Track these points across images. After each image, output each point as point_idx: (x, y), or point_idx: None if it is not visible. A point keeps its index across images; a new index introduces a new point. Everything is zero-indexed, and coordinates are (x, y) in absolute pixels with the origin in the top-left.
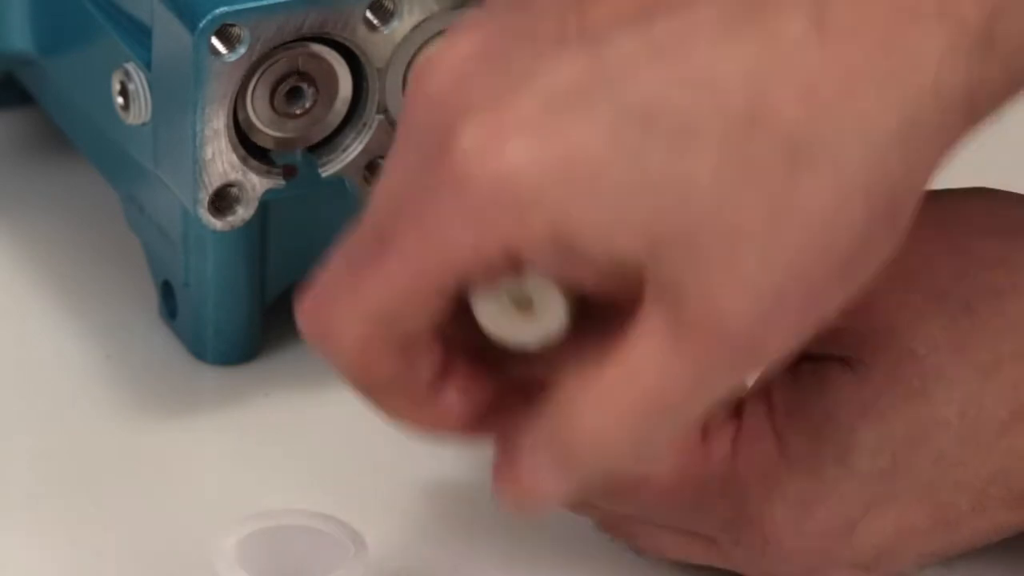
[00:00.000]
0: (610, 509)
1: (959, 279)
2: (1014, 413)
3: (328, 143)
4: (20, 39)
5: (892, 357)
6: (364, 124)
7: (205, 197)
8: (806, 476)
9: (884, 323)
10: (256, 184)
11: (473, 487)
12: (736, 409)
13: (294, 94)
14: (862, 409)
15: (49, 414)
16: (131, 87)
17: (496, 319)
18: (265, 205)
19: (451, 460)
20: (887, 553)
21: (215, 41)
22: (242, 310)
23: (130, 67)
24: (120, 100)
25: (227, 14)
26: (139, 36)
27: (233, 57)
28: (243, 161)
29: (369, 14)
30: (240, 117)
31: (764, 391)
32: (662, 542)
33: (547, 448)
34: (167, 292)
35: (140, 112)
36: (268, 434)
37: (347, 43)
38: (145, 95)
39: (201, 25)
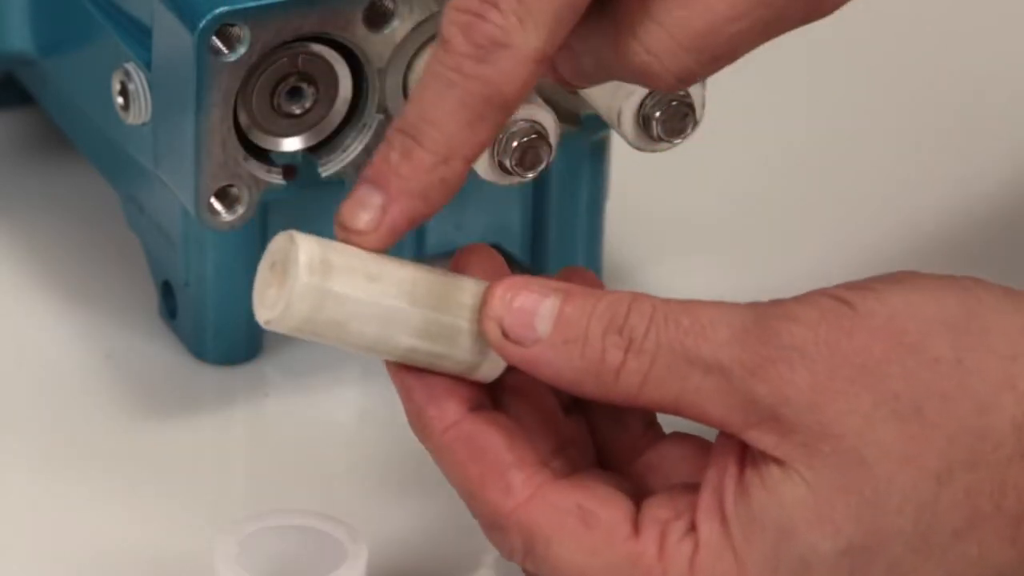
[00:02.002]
0: None
1: (909, 381)
2: (968, 520)
3: (328, 143)
4: (20, 39)
5: (842, 465)
6: (364, 124)
7: (205, 197)
8: None
9: (834, 429)
10: (256, 184)
11: None
12: (692, 523)
13: (294, 94)
14: (818, 521)
15: (49, 414)
16: (131, 87)
17: None
18: (265, 205)
19: None
20: None
21: (215, 41)
22: (242, 310)
23: (130, 67)
24: (120, 100)
25: (227, 14)
26: (139, 36)
27: (233, 57)
28: (243, 161)
29: (369, 14)
30: (240, 117)
31: (717, 503)
32: None
33: None
34: (167, 292)
35: (140, 112)
36: (268, 434)
37: (347, 43)
38: (145, 95)
39: (201, 25)
